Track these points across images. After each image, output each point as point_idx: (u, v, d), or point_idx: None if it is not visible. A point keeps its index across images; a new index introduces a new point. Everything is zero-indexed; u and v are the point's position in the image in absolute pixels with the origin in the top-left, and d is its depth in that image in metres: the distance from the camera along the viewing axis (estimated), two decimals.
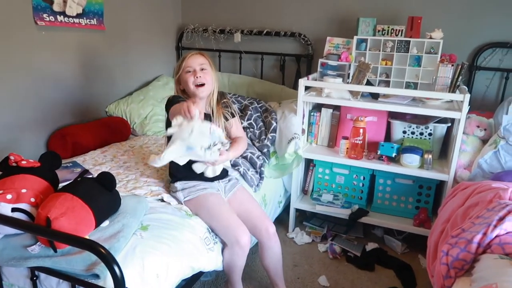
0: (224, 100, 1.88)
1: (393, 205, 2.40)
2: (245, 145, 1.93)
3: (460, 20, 2.55)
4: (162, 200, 1.75)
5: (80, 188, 1.38)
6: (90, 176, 1.91)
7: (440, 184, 2.29)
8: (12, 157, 1.48)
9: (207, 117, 1.81)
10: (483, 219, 1.47)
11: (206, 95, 1.78)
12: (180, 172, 1.78)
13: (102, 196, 1.41)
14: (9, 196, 1.34)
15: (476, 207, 1.62)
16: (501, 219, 1.40)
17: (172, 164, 1.83)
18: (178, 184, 1.77)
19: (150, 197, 1.75)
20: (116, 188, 1.50)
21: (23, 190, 1.38)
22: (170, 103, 1.70)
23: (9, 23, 2.07)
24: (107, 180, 1.44)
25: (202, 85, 1.73)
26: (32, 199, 1.38)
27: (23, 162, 1.47)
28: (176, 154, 1.47)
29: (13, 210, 1.33)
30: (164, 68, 3.29)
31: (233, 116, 1.91)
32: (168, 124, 1.75)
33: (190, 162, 1.77)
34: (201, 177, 1.80)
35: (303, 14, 2.95)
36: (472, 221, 1.51)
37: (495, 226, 1.38)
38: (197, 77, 1.72)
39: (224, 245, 1.72)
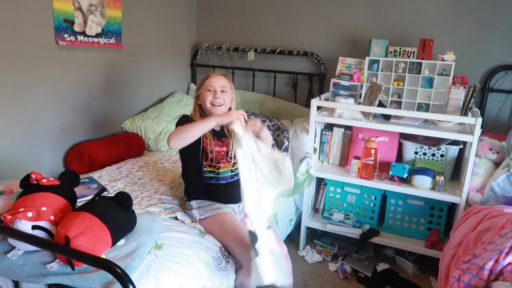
0: None
1: (404, 226, 2.40)
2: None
3: (472, 42, 2.57)
4: (176, 218, 1.78)
5: (98, 207, 1.42)
6: (107, 193, 1.96)
7: (452, 206, 2.29)
8: (33, 176, 1.53)
9: (223, 134, 1.86)
10: (495, 245, 1.47)
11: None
12: (196, 191, 1.81)
13: (119, 216, 1.45)
14: (30, 214, 1.38)
15: (488, 232, 1.62)
16: None
17: (189, 183, 1.87)
18: (194, 203, 1.81)
19: (164, 215, 1.79)
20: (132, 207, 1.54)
21: (43, 208, 1.42)
22: (180, 121, 1.76)
23: (32, 43, 2.16)
24: (123, 200, 1.47)
25: (219, 105, 1.78)
26: (52, 217, 1.42)
27: (44, 180, 1.51)
28: None
29: (34, 227, 1.37)
30: (178, 85, 3.36)
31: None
32: None
33: (206, 182, 1.79)
34: (217, 197, 1.82)
35: (316, 34, 3.00)
36: (484, 247, 1.51)
37: (507, 253, 1.38)
38: (216, 97, 1.77)
39: (237, 264, 1.74)
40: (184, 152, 1.79)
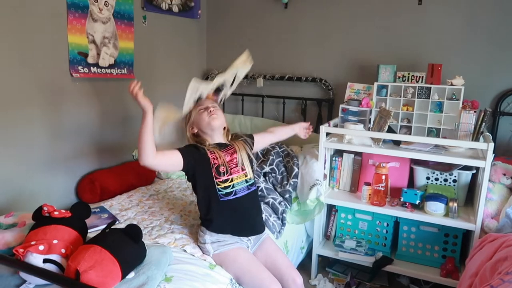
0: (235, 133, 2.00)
1: (418, 253, 2.35)
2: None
3: (482, 66, 2.57)
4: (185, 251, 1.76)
5: (109, 240, 1.42)
6: (118, 223, 1.97)
7: (467, 233, 2.24)
8: (45, 208, 1.55)
9: (227, 144, 1.87)
10: None
11: (220, 125, 1.83)
12: (216, 215, 1.76)
13: (129, 248, 1.45)
14: (41, 247, 1.40)
15: (505, 262, 1.57)
16: None
17: (206, 208, 1.79)
18: (208, 237, 1.76)
19: (174, 246, 1.78)
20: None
21: (55, 241, 1.44)
22: (183, 147, 1.78)
23: (47, 75, 2.22)
24: (134, 232, 1.48)
25: (217, 116, 1.81)
26: (63, 250, 1.43)
27: (56, 213, 1.53)
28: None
29: (45, 261, 1.38)
30: None
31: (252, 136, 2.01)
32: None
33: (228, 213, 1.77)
34: (231, 231, 1.79)
35: (324, 59, 3.04)
36: (501, 278, 1.46)
37: None
38: (210, 110, 1.81)
39: None
40: (194, 178, 1.77)
